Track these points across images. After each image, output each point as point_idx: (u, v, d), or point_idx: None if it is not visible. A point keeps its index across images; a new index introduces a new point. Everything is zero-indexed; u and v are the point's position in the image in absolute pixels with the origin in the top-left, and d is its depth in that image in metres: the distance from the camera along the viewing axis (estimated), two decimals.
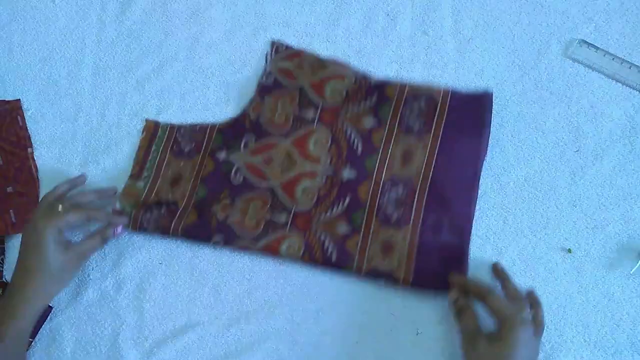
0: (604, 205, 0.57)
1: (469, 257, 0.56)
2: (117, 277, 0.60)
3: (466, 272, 0.55)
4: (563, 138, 0.59)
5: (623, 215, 0.56)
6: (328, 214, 0.58)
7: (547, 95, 0.60)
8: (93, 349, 0.57)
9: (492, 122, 0.60)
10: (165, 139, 0.63)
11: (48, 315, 0.59)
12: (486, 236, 0.57)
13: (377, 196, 0.58)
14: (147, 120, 0.64)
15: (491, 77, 0.62)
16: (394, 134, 0.59)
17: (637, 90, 0.60)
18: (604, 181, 0.58)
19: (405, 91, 0.61)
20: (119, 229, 0.59)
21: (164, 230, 0.59)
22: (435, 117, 0.59)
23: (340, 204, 0.58)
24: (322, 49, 0.65)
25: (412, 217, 0.57)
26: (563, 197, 0.57)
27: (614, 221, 0.56)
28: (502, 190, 0.58)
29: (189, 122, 0.64)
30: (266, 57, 0.65)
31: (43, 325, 0.59)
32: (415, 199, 0.57)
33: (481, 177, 0.59)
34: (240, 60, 0.66)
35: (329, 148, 0.60)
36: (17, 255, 0.55)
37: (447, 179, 0.57)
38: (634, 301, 0.54)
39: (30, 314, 0.53)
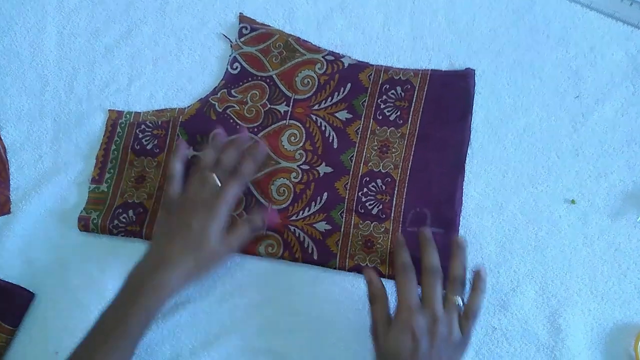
0: (607, 152, 0.54)
1: None
2: (101, 259, 0.57)
3: None
4: (562, 84, 0.56)
5: (627, 162, 0.54)
6: (306, 211, 0.55)
7: (544, 39, 0.57)
8: (80, 334, 0.55)
9: (487, 70, 0.57)
10: (125, 137, 0.59)
11: (30, 302, 0.56)
12: (485, 192, 0.55)
13: (355, 191, 0.55)
14: (109, 111, 0.59)
15: (484, 23, 0.58)
16: (370, 126, 0.56)
17: (638, 29, 0.56)
18: (607, 127, 0.55)
19: (381, 77, 0.57)
20: (273, 216, 0.54)
21: (134, 236, 0.56)
22: (413, 104, 0.56)
23: (318, 200, 0.55)
24: (302, 3, 0.60)
25: (392, 211, 0.54)
26: (564, 145, 0.55)
27: (618, 168, 0.54)
28: (500, 143, 0.55)
29: (163, 88, 0.60)
30: (230, 42, 0.60)
31: (26, 313, 0.56)
32: (396, 192, 0.54)
33: (479, 129, 0.56)
34: (215, 19, 0.61)
35: (304, 144, 0.56)
36: None
37: (427, 169, 0.55)
38: None
39: (158, 301, 0.48)
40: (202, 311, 0.55)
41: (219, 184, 0.52)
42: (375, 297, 0.49)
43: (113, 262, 0.57)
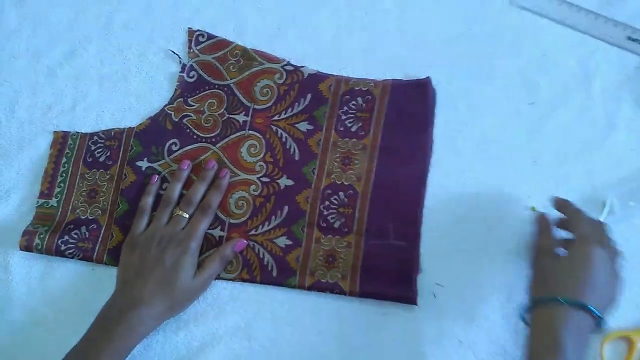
0: (564, 159, 0.54)
1: (419, 258, 0.52)
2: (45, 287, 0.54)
3: (417, 274, 0.51)
4: (516, 91, 0.56)
5: (584, 167, 0.53)
6: (265, 225, 0.53)
7: (496, 47, 0.57)
8: None
9: (441, 80, 0.56)
10: (76, 149, 0.56)
11: None
12: (446, 203, 0.53)
13: (317, 204, 0.53)
14: (55, 133, 0.57)
15: (436, 33, 0.58)
16: (332, 138, 0.55)
17: (588, 35, 0.57)
18: (562, 133, 0.54)
19: (341, 88, 0.56)
20: (240, 244, 0.53)
21: (86, 257, 0.53)
22: (374, 115, 0.55)
23: (279, 214, 0.53)
24: (252, 17, 0.59)
25: (355, 224, 0.52)
26: (522, 153, 0.54)
27: (576, 174, 0.53)
28: (457, 153, 0.55)
29: (110, 109, 0.58)
30: (180, 54, 0.58)
31: None
32: (358, 205, 0.53)
33: (436, 140, 0.55)
34: (162, 36, 0.59)
35: (264, 156, 0.55)
36: None
37: (390, 181, 0.53)
38: None
39: (132, 342, 0.47)
40: (156, 342, 0.52)
41: (187, 219, 0.52)
42: (544, 229, 0.49)
43: (60, 296, 0.53)
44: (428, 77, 0.56)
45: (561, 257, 0.45)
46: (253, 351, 0.51)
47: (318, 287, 0.51)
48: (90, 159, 0.56)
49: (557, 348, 0.40)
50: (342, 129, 0.55)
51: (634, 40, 0.56)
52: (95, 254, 0.53)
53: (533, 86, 0.56)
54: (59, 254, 0.53)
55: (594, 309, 0.42)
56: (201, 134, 0.56)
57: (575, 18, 0.57)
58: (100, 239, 0.54)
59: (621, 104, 0.54)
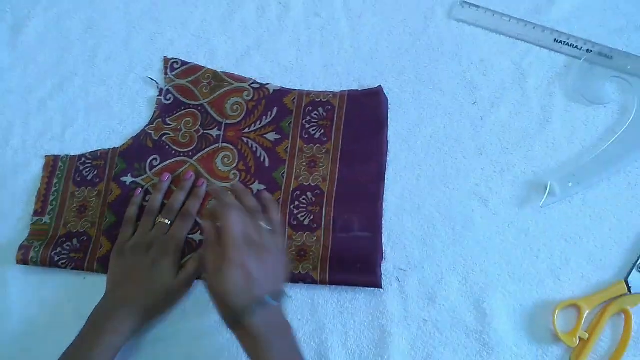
0: (507, 149, 0.60)
1: (382, 247, 0.57)
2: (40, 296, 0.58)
3: (381, 261, 0.56)
4: (460, 93, 0.62)
5: (525, 155, 0.59)
6: None
7: (439, 56, 0.64)
8: None
9: (393, 88, 0.62)
10: (66, 170, 0.62)
11: None
12: (403, 195, 0.59)
13: (288, 205, 0.59)
14: (46, 157, 0.63)
15: (385, 47, 0.64)
16: (298, 145, 0.61)
17: (520, 40, 0.64)
18: (503, 127, 0.60)
19: (304, 101, 0.62)
20: None
21: (77, 266, 0.58)
22: (334, 122, 0.61)
23: None
24: (221, 44, 0.66)
25: (323, 220, 0.58)
26: (468, 147, 0.60)
27: (518, 162, 0.59)
28: (410, 150, 0.60)
29: (96, 132, 0.64)
30: (155, 80, 0.65)
31: None
32: (325, 202, 0.58)
33: (391, 140, 0.61)
34: (141, 66, 0.66)
35: (237, 165, 0.60)
36: None
37: (352, 180, 0.59)
38: (547, 232, 0.57)
39: (119, 341, 0.50)
40: (145, 342, 0.56)
41: (168, 225, 0.57)
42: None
43: (55, 304, 0.58)
44: (380, 85, 0.62)
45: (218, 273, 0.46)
46: (237, 343, 0.55)
47: (291, 279, 0.56)
48: (79, 178, 0.62)
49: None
50: (306, 136, 0.61)
51: (560, 42, 0.63)
52: (86, 263, 0.58)
53: (474, 88, 0.62)
54: (53, 265, 0.58)
55: (270, 300, 0.46)
56: (179, 149, 0.62)
57: (508, 26, 0.64)
58: (90, 249, 0.59)
59: (553, 98, 0.61)
